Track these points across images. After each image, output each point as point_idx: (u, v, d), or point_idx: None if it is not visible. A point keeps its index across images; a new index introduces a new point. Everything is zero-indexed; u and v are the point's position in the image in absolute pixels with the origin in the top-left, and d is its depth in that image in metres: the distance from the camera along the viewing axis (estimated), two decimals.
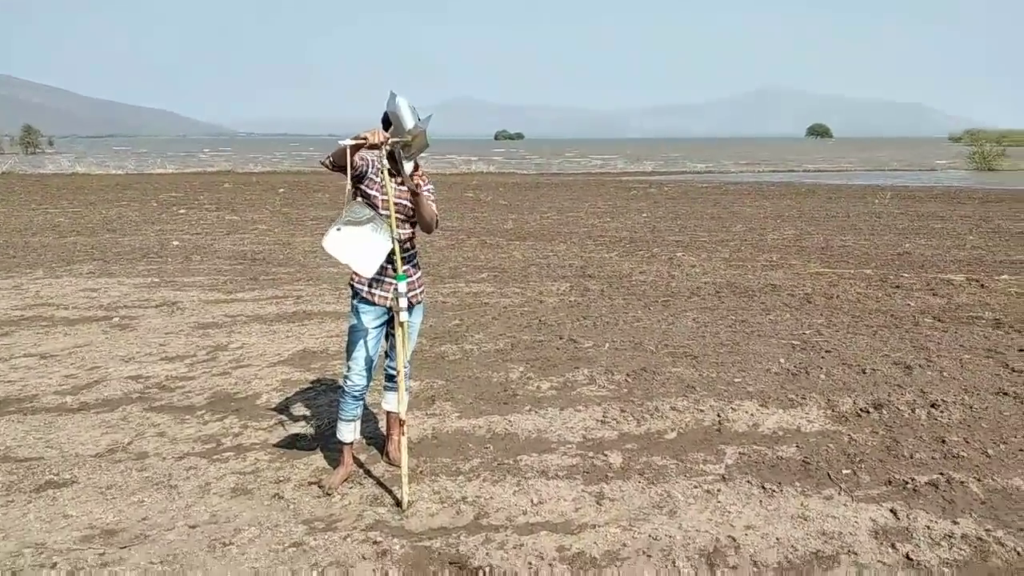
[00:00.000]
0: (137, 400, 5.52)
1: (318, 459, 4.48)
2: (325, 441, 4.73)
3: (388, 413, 4.46)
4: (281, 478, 4.21)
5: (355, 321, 4.04)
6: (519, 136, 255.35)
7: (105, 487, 4.11)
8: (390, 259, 3.91)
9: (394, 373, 4.28)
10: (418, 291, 4.17)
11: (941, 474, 4.21)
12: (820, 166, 46.96)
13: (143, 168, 44.16)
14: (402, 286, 3.80)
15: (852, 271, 10.63)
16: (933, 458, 4.46)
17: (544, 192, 26.30)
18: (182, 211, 19.60)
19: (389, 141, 3.65)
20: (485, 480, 4.16)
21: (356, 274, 3.94)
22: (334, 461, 4.43)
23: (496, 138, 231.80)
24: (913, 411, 5.19)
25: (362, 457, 4.50)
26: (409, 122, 3.65)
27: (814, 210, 19.45)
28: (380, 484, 4.13)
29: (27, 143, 79.96)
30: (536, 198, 23.72)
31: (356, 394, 4.10)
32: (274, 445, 4.70)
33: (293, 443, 4.73)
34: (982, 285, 9.47)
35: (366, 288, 3.98)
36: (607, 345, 6.85)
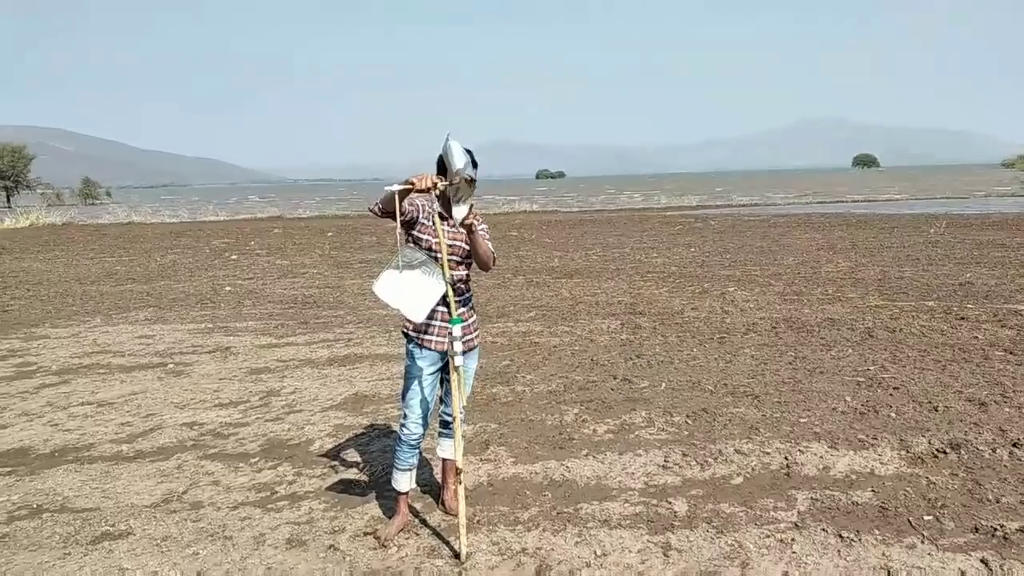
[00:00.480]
0: (191, 448, 5.50)
1: (373, 507, 4.38)
2: (379, 488, 4.64)
3: (444, 460, 4.35)
4: (336, 528, 4.12)
5: (410, 367, 3.97)
6: (560, 175, 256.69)
7: (160, 539, 4.06)
8: (444, 302, 3.84)
9: (449, 419, 4.19)
10: (473, 335, 4.09)
11: None
12: (868, 196, 46.14)
13: (196, 216, 45.33)
14: (456, 330, 3.72)
15: (913, 303, 10.28)
16: (1022, 502, 4.18)
17: (588, 229, 26.22)
18: (234, 257, 19.96)
19: (438, 185, 3.59)
20: (545, 530, 4.01)
21: (408, 320, 3.88)
22: (389, 510, 4.33)
23: (537, 177, 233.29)
24: (994, 451, 4.91)
25: (417, 506, 4.39)
26: (459, 163, 3.59)
27: (867, 241, 19.00)
28: (437, 534, 4.00)
29: (86, 194, 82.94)
30: (580, 235, 23.64)
31: (413, 442, 4.01)
32: (327, 489, 4.63)
33: (347, 490, 4.64)
34: None
35: (420, 334, 3.91)
36: (663, 385, 6.67)
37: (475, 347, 4.13)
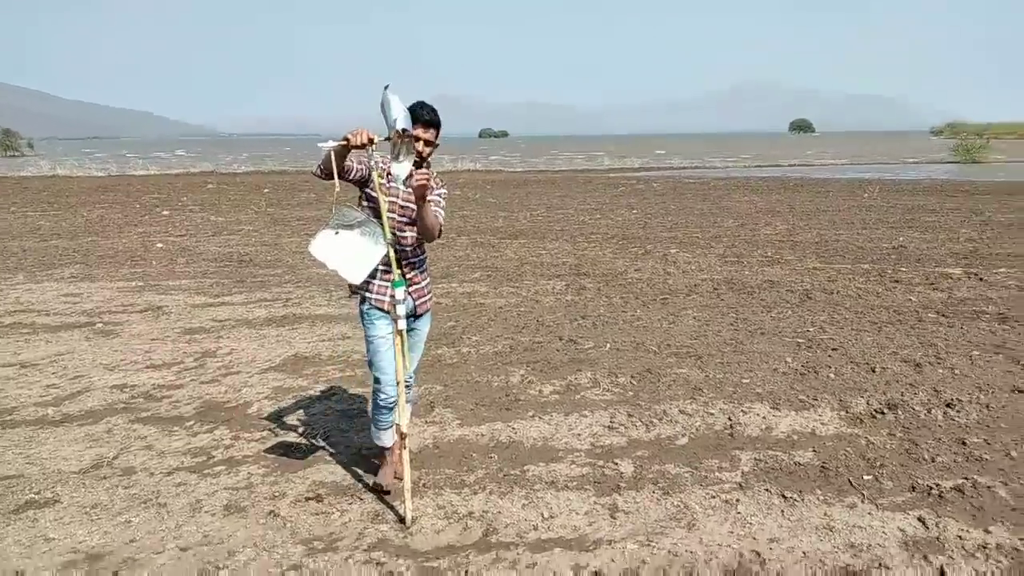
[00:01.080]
0: (122, 411, 5.28)
1: (313, 472, 4.26)
2: (320, 452, 4.52)
3: (395, 424, 4.25)
4: (276, 493, 3.99)
5: (368, 330, 3.82)
6: (503, 134, 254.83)
7: (90, 506, 3.87)
8: (390, 264, 3.70)
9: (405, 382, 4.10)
10: (427, 298, 3.96)
11: (966, 478, 4.05)
12: (806, 161, 47.01)
13: (125, 170, 43.53)
14: (399, 292, 3.58)
15: (850, 266, 10.50)
16: (956, 461, 4.29)
17: (532, 189, 26.10)
18: (165, 212, 19.27)
19: (374, 141, 3.40)
20: (492, 493, 3.96)
21: (364, 281, 3.74)
22: (331, 473, 4.23)
23: (480, 136, 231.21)
24: (929, 411, 5.03)
25: (359, 470, 4.29)
26: (395, 116, 3.36)
27: (804, 204, 19.36)
28: (381, 499, 3.91)
29: (6, 145, 78.95)
30: (524, 195, 23.51)
31: (390, 405, 3.89)
32: (266, 453, 4.49)
33: (287, 454, 4.51)
34: (981, 279, 9.36)
35: (372, 295, 3.77)
36: (608, 346, 6.66)
37: (428, 310, 4.01)
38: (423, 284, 3.92)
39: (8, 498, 3.98)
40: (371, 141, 3.39)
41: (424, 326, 4.05)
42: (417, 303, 3.88)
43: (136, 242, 13.86)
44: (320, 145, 3.50)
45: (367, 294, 3.79)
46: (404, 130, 3.35)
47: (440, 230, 3.81)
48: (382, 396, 3.87)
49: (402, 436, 3.65)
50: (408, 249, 3.79)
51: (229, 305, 8.54)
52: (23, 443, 4.72)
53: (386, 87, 3.39)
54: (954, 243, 12.48)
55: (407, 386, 4.05)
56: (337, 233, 3.54)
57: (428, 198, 3.59)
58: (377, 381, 3.86)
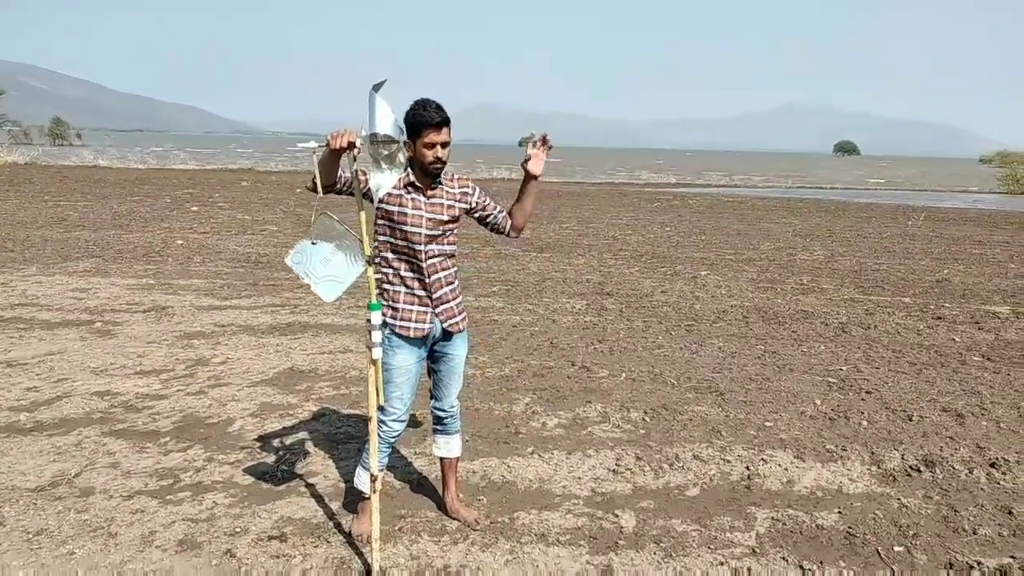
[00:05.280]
0: (98, 421, 4.96)
1: (283, 505, 3.89)
2: (294, 483, 4.15)
3: (441, 460, 3.87)
4: (238, 529, 3.63)
5: (387, 358, 3.41)
6: None
7: (34, 532, 3.54)
8: (421, 283, 3.40)
9: (442, 415, 3.74)
10: (458, 318, 3.54)
11: (1013, 557, 3.56)
12: (849, 184, 45.97)
13: (164, 163, 44.02)
14: (375, 317, 3.17)
15: (889, 299, 9.92)
16: (1000, 535, 3.79)
17: (564, 201, 25.67)
18: (194, 208, 19.19)
19: (357, 145, 2.99)
20: (474, 544, 3.55)
21: (386, 301, 3.40)
22: (302, 508, 3.86)
23: (520, 144, 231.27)
24: (971, 471, 4.53)
25: (334, 505, 3.91)
26: (380, 124, 2.95)
27: (845, 230, 18.69)
28: (350, 543, 3.53)
29: (55, 134, 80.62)
30: (556, 208, 23.09)
31: (391, 441, 3.54)
32: (237, 480, 4.13)
33: (259, 481, 4.15)
34: None
35: (398, 321, 3.40)
36: (623, 375, 6.22)
37: (460, 331, 3.59)
38: (453, 303, 3.51)
39: None
40: (352, 145, 2.99)
41: (458, 349, 3.61)
42: (445, 324, 3.47)
43: (157, 238, 13.71)
44: (301, 146, 3.14)
45: (388, 319, 3.40)
46: (387, 139, 2.95)
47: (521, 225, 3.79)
48: (385, 429, 3.48)
49: (373, 479, 3.25)
50: (431, 263, 3.39)
51: (235, 309, 8.25)
52: None
53: (373, 87, 2.97)
54: (1002, 278, 11.81)
55: (451, 416, 3.72)
56: (314, 243, 3.17)
57: (487, 207, 3.66)
58: (383, 411, 3.45)
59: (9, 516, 3.69)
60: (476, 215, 3.59)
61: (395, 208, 3.31)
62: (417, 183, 3.34)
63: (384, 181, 3.02)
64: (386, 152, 2.94)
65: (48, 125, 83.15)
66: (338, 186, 3.17)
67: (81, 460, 4.37)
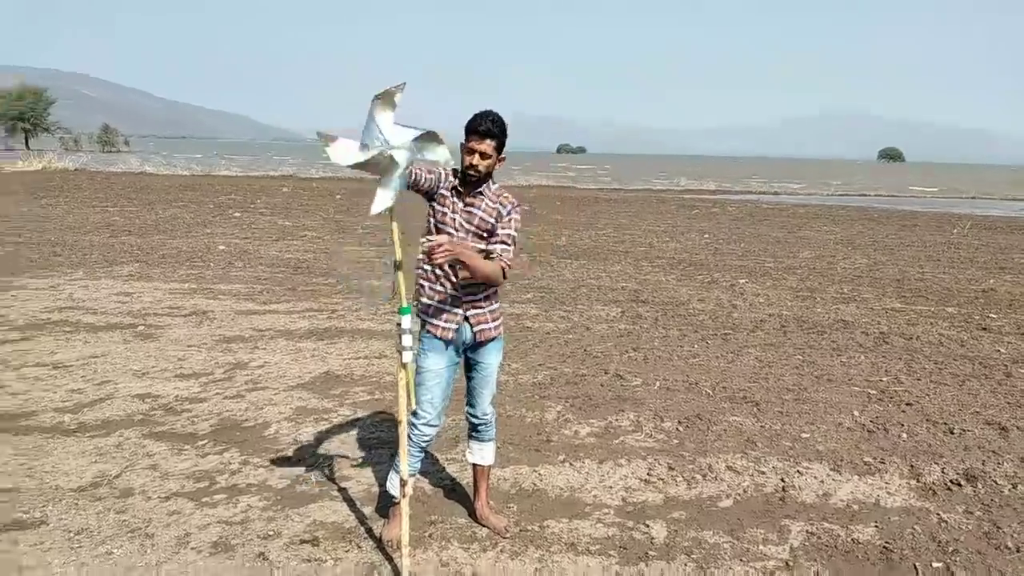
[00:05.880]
0: (138, 423, 5.07)
1: (317, 509, 3.94)
2: (327, 487, 4.20)
3: (474, 466, 3.89)
4: (271, 532, 3.68)
5: (421, 360, 3.50)
6: (581, 150, 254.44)
7: (75, 531, 3.63)
8: (451, 284, 3.43)
9: (476, 421, 3.75)
10: (490, 325, 3.56)
11: None
12: (892, 191, 45.12)
13: (209, 169, 44.82)
14: (406, 321, 3.20)
15: (932, 309, 9.72)
16: None
17: (602, 208, 25.59)
18: (236, 214, 19.51)
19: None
20: (503, 551, 3.55)
21: (420, 302, 3.51)
22: (335, 512, 3.90)
23: (558, 151, 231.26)
24: (1014, 487, 4.42)
25: (366, 510, 3.94)
26: (374, 135, 2.89)
27: (887, 238, 18.34)
28: (381, 548, 3.56)
29: (104, 142, 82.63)
30: (593, 214, 23.04)
31: (424, 445, 3.59)
32: (271, 484, 4.19)
33: (292, 486, 4.20)
34: None
35: (431, 320, 3.48)
36: (658, 384, 6.18)
37: (494, 338, 3.61)
38: (486, 309, 3.53)
39: None
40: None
41: (490, 358, 3.63)
42: (476, 330, 3.50)
43: (200, 243, 13.96)
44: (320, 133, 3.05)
45: (424, 317, 3.50)
46: (381, 152, 2.91)
47: (505, 271, 3.41)
48: (416, 432, 3.53)
49: (403, 483, 3.28)
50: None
51: (274, 314, 8.37)
52: (30, 452, 4.54)
53: (374, 99, 2.88)
54: None
55: (485, 424, 3.72)
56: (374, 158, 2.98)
57: (498, 233, 3.41)
58: (415, 415, 3.51)
59: (52, 515, 3.79)
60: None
61: (439, 208, 3.41)
62: (459, 188, 3.40)
63: (377, 202, 2.99)
64: (379, 163, 2.93)
65: (97, 132, 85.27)
66: (425, 186, 3.30)
67: (121, 461, 4.47)
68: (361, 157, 2.93)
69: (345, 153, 2.97)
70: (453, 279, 3.43)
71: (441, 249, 3.05)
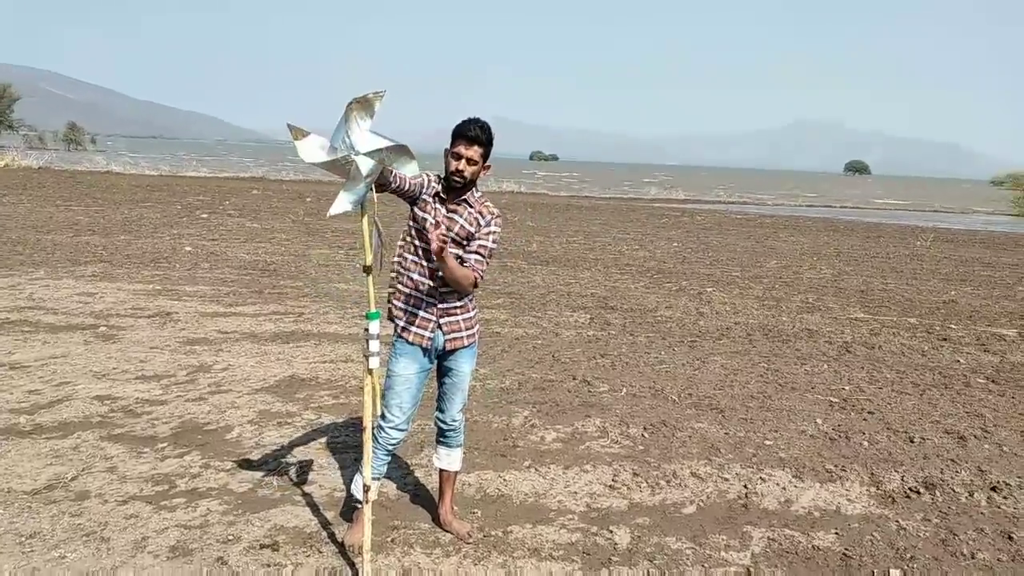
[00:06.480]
0: (97, 425, 4.97)
1: (278, 513, 3.88)
2: (290, 491, 4.15)
3: (440, 471, 3.84)
4: (230, 537, 3.62)
5: (391, 364, 3.49)
6: (554, 158, 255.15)
7: (28, 535, 3.54)
8: (432, 288, 3.41)
9: (445, 427, 3.72)
10: (463, 333, 3.54)
11: None
12: (858, 203, 45.86)
13: (177, 170, 44.26)
14: (373, 326, 3.18)
15: (895, 319, 9.88)
16: (999, 559, 3.76)
17: (573, 215, 25.70)
18: (204, 215, 19.27)
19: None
20: (466, 557, 3.53)
21: (393, 306, 3.49)
22: (296, 517, 3.85)
23: (531, 158, 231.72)
24: (971, 494, 4.50)
25: (328, 514, 3.90)
26: (344, 138, 2.88)
27: (853, 249, 18.64)
28: (342, 553, 3.52)
29: (70, 139, 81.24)
30: (564, 221, 23.12)
31: (390, 448, 3.56)
32: (231, 487, 4.13)
33: (254, 490, 4.14)
34: None
35: (402, 324, 3.46)
36: (624, 391, 6.21)
37: (467, 346, 3.59)
38: (460, 317, 3.51)
39: None
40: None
41: (462, 365, 3.60)
42: (447, 338, 3.49)
43: (166, 244, 13.77)
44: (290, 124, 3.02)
45: (397, 322, 3.48)
46: (346, 156, 2.90)
47: (477, 281, 3.38)
48: (384, 436, 3.50)
49: (366, 489, 3.25)
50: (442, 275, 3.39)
51: (239, 316, 8.27)
52: None
53: (349, 103, 2.87)
54: (1010, 301, 11.75)
55: (453, 430, 3.69)
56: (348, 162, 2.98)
57: (471, 245, 3.38)
58: (384, 419, 3.49)
59: (3, 518, 3.69)
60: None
61: (420, 214, 3.38)
62: (442, 194, 3.38)
63: (338, 203, 2.97)
64: (344, 165, 2.91)
65: (63, 130, 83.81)
66: (392, 186, 3.18)
67: (78, 464, 4.37)
68: (325, 157, 2.92)
69: (312, 150, 2.96)
70: (430, 283, 3.41)
71: (439, 231, 3.05)
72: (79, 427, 4.93)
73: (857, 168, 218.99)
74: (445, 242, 3.11)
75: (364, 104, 2.83)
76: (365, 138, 2.90)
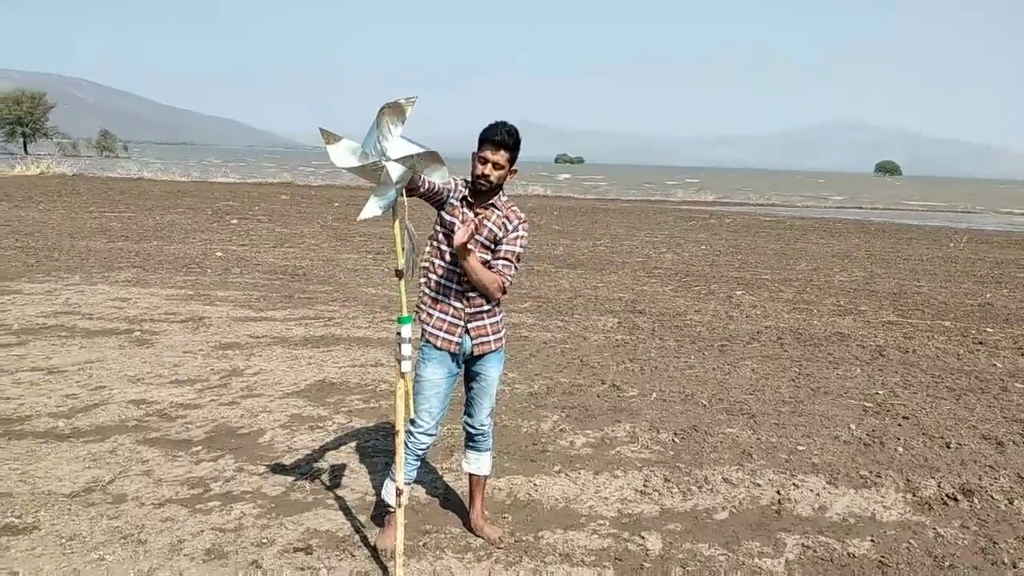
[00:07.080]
0: (132, 429, 5.05)
1: (311, 517, 3.92)
2: (322, 495, 4.18)
3: (470, 476, 3.86)
4: (264, 540, 3.66)
5: (419, 369, 3.52)
6: (579, 160, 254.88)
7: (68, 537, 3.61)
8: (458, 294, 3.44)
9: (473, 431, 3.74)
10: (490, 337, 3.56)
11: None
12: (889, 204, 45.27)
13: (207, 176, 44.85)
14: (405, 330, 3.20)
15: (929, 322, 9.73)
16: None
17: (599, 218, 25.64)
18: (234, 221, 19.50)
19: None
20: (497, 562, 3.54)
21: (422, 311, 3.54)
22: (329, 520, 3.88)
23: (556, 161, 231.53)
24: (1011, 502, 4.41)
25: (361, 519, 3.93)
26: (374, 143, 2.88)
27: (884, 251, 18.39)
28: (375, 557, 3.54)
29: (103, 146, 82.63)
30: (590, 224, 23.07)
31: (420, 454, 3.59)
32: (265, 491, 4.17)
33: (287, 494, 4.18)
34: None
35: (431, 328, 3.49)
36: (654, 395, 6.18)
37: (495, 350, 3.61)
38: (487, 321, 3.53)
39: None
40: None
41: (490, 370, 3.63)
42: (475, 343, 3.51)
43: (198, 249, 13.95)
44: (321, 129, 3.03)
45: (424, 326, 3.51)
46: (378, 161, 2.91)
47: (504, 287, 3.41)
48: (413, 441, 3.53)
49: (398, 494, 3.27)
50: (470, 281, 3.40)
51: (270, 321, 8.35)
52: (23, 457, 4.52)
53: (381, 109, 2.85)
54: None
55: (482, 434, 3.71)
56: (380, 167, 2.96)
57: (498, 250, 3.42)
58: (413, 424, 3.51)
59: (44, 521, 3.76)
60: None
61: (448, 218, 3.40)
62: (470, 199, 3.40)
63: (368, 208, 2.99)
64: (374, 171, 2.92)
65: (96, 137, 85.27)
66: (421, 190, 3.19)
67: (115, 467, 4.44)
68: (356, 162, 2.94)
69: (344, 155, 2.98)
70: (457, 287, 3.43)
71: (468, 229, 3.08)
72: (115, 431, 5.01)
73: (888, 169, 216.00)
74: (472, 236, 3.16)
75: (396, 110, 2.85)
76: (396, 144, 2.91)
